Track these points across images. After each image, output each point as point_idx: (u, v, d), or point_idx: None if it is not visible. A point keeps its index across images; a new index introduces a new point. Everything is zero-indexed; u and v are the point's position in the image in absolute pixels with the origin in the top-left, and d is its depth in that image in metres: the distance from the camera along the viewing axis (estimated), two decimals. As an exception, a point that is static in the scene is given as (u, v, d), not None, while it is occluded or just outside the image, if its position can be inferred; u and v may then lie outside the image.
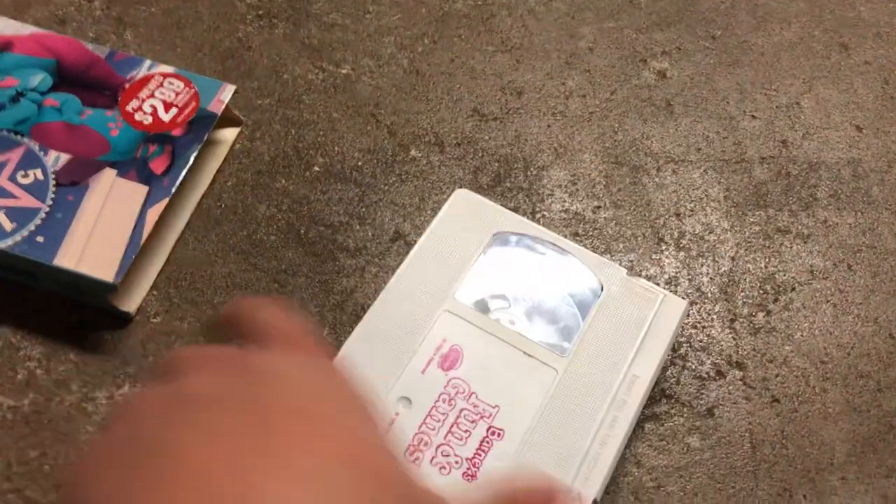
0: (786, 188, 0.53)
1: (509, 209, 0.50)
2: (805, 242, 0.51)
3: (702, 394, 0.45)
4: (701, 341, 0.47)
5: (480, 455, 0.38)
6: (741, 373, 0.46)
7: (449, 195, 0.45)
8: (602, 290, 0.43)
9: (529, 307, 0.43)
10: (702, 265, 0.49)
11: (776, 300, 0.48)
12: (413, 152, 0.52)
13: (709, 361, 0.46)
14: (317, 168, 0.51)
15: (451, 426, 0.39)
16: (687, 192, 0.52)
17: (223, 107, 0.48)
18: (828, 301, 0.49)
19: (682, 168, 0.53)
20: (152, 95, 0.48)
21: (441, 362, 0.40)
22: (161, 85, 0.49)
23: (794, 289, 0.49)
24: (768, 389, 0.45)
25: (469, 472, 0.38)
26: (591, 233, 0.50)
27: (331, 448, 0.21)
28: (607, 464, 0.38)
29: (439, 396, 0.39)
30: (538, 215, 0.50)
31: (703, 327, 0.47)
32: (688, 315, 0.47)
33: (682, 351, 0.46)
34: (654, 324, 0.42)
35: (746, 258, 0.50)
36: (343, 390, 0.25)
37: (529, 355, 0.41)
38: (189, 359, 0.26)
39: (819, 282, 0.49)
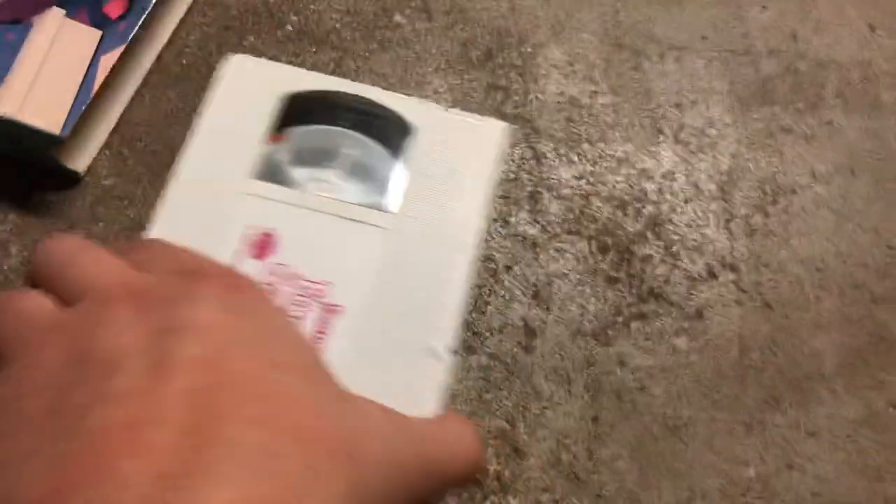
0: (793, 85, 0.49)
1: (500, 88, 0.46)
2: (808, 143, 0.48)
3: (692, 294, 0.42)
4: (694, 240, 0.44)
5: (321, 336, 0.34)
6: (734, 275, 0.43)
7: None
8: (417, 132, 0.39)
9: (341, 170, 0.38)
10: (700, 160, 0.46)
11: (775, 202, 0.46)
12: (397, 17, 0.47)
13: (701, 261, 0.43)
14: (289, 27, 0.46)
15: None
16: (690, 82, 0.48)
17: (188, -52, 0.43)
18: (828, 207, 0.46)
19: (686, 56, 0.49)
20: (107, -70, 0.43)
21: (252, 251, 0.36)
22: (118, -82, 0.43)
23: (794, 191, 0.46)
24: (761, 294, 0.43)
25: None
26: (586, 119, 0.46)
27: (275, 419, 0.19)
28: (456, 309, 0.36)
29: None
30: (530, 96, 0.46)
31: (698, 226, 0.44)
32: (509, 139, 0.44)
33: (675, 249, 0.43)
34: (476, 155, 0.39)
35: (747, 156, 0.47)
36: (268, 328, 0.22)
37: (352, 220, 0.37)
38: (93, 278, 0.22)
39: (820, 186, 0.47)
